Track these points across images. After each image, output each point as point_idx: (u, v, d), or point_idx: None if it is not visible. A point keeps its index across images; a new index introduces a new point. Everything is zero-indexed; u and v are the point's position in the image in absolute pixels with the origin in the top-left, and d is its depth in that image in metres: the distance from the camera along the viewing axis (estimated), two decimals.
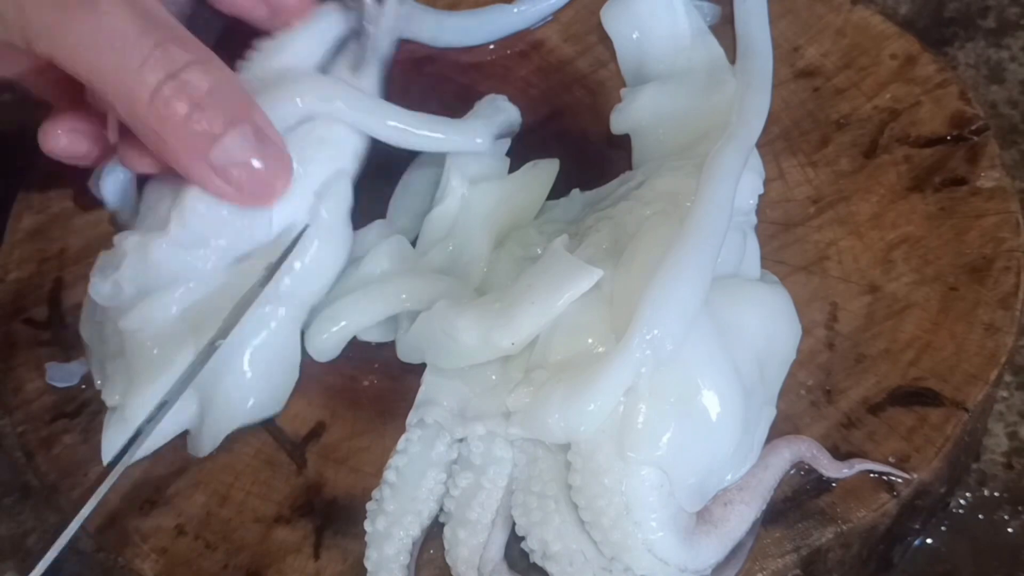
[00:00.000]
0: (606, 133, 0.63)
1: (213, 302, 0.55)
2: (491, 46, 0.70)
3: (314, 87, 0.58)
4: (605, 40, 0.68)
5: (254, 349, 0.55)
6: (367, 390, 0.57)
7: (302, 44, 0.61)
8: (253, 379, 0.55)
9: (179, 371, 0.53)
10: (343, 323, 0.57)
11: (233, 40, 0.62)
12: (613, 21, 0.67)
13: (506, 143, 0.63)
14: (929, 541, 0.59)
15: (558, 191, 0.61)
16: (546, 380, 0.49)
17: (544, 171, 0.61)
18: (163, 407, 0.52)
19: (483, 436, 0.51)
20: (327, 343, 0.57)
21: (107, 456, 0.54)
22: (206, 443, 0.55)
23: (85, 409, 0.58)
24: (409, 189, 0.63)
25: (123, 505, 0.54)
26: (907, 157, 0.61)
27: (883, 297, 0.56)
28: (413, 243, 0.60)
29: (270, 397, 0.56)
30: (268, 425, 0.56)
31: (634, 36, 0.66)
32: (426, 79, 0.69)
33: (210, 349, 0.53)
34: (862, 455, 0.51)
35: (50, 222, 0.66)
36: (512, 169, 0.62)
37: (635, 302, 0.48)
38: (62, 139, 0.61)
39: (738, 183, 0.54)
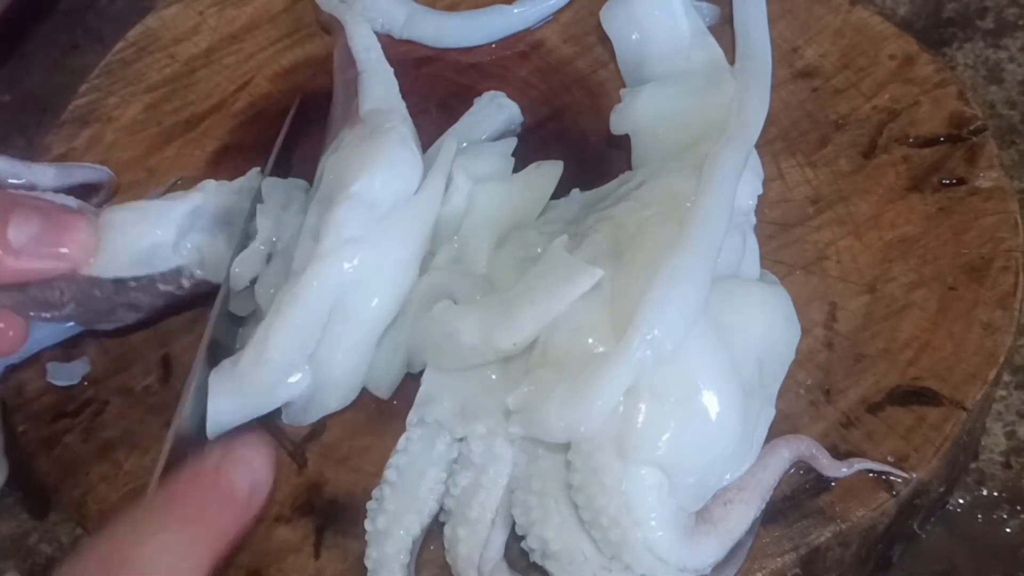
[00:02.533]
0: (606, 133, 0.64)
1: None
2: (491, 47, 0.70)
3: None
4: (605, 41, 0.68)
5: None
6: (367, 389, 0.57)
7: None
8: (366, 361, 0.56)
9: None
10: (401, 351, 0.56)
11: None
12: (613, 22, 0.67)
13: (512, 142, 0.63)
14: (927, 540, 0.60)
15: (558, 191, 0.61)
16: (546, 379, 0.49)
17: (548, 172, 0.61)
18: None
19: (483, 435, 0.51)
20: (391, 375, 0.56)
21: None
22: (312, 415, 0.56)
23: (86, 408, 0.58)
24: None
25: (123, 503, 0.54)
26: (906, 157, 0.61)
27: (882, 297, 0.56)
28: None
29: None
30: (269, 424, 0.56)
31: (633, 37, 0.66)
32: (426, 79, 0.69)
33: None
34: (861, 454, 0.51)
35: None
36: (513, 170, 0.62)
37: (635, 302, 0.48)
38: None
39: (738, 184, 0.54)
